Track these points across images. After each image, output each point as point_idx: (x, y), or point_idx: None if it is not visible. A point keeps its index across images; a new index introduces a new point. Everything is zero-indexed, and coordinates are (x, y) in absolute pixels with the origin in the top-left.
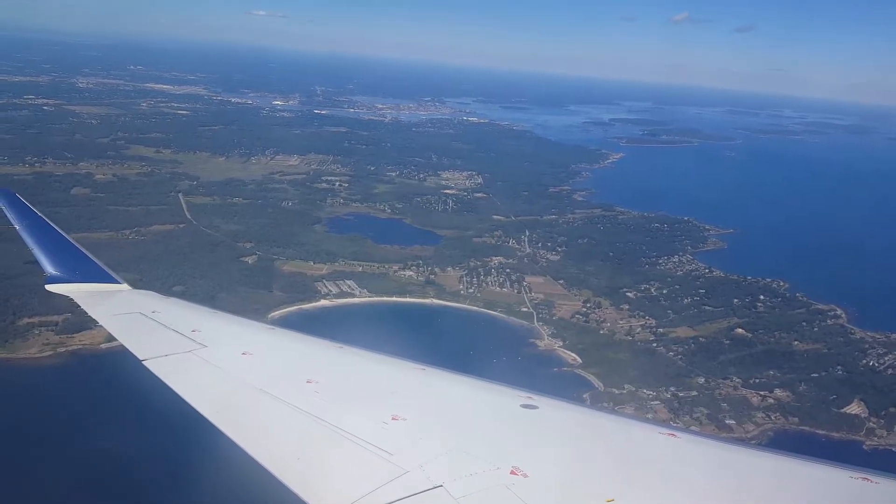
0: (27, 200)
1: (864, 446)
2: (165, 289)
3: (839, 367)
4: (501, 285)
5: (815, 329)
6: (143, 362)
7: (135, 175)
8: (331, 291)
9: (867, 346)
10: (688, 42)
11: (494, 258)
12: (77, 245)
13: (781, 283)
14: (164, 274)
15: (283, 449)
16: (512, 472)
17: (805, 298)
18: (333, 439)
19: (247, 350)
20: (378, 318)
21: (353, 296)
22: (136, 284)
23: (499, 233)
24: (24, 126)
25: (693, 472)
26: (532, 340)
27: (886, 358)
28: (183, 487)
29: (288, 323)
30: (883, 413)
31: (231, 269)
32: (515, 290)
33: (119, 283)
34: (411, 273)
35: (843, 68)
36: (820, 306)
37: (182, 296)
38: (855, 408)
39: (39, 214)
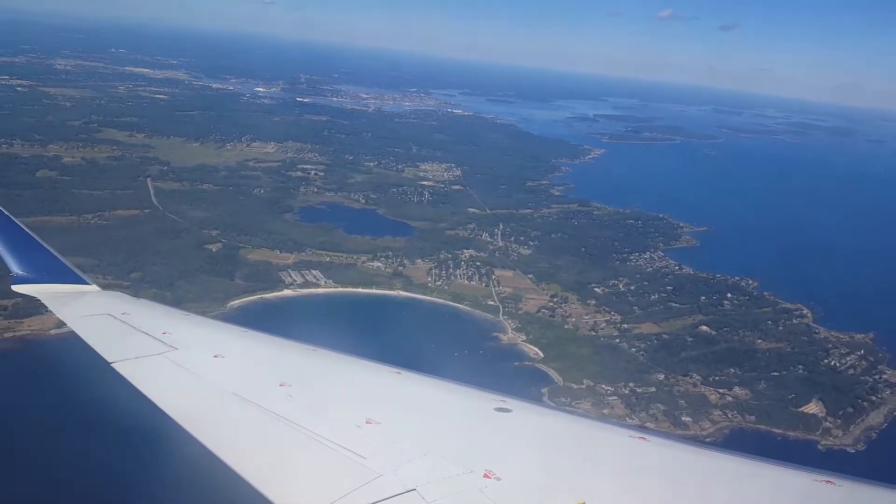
0: None
1: (818, 446)
2: (122, 275)
3: (800, 367)
4: (470, 278)
5: (780, 328)
6: (112, 365)
7: (104, 159)
8: (295, 281)
9: (830, 345)
10: (673, 39)
11: (465, 251)
12: (45, 245)
13: (750, 282)
14: (123, 260)
15: (256, 453)
16: (485, 476)
17: (772, 297)
18: (306, 443)
19: (218, 353)
20: (340, 308)
21: (318, 286)
22: (92, 270)
23: (472, 226)
24: None
25: (663, 474)
26: (495, 334)
27: (848, 358)
28: (145, 490)
29: (248, 312)
30: (840, 413)
31: (193, 256)
32: (483, 284)
33: (88, 283)
34: (380, 264)
35: (828, 70)
36: (787, 305)
37: (139, 283)
38: (813, 407)
39: (5, 212)
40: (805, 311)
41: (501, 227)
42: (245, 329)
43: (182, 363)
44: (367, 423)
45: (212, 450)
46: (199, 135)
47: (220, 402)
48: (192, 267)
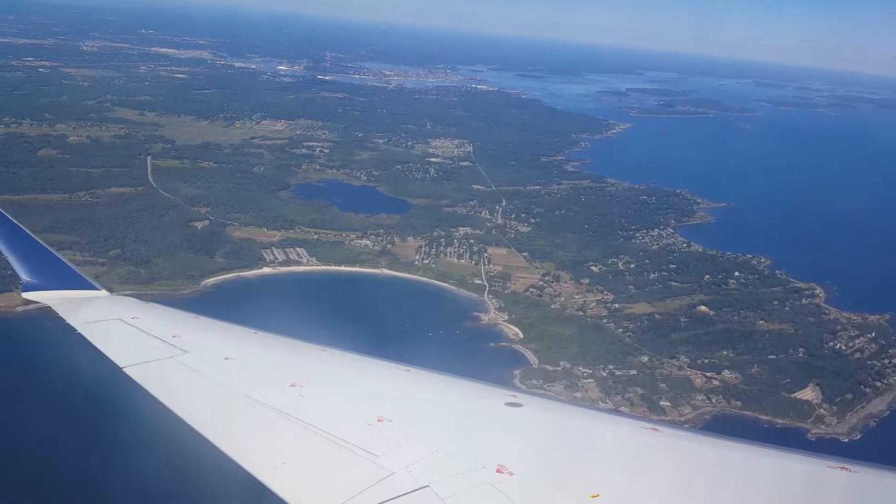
0: None
1: (808, 435)
2: (100, 252)
3: (801, 349)
4: (460, 256)
5: (787, 308)
6: (124, 369)
7: (110, 137)
8: (276, 259)
9: (839, 327)
10: (710, 9)
11: (461, 228)
12: (53, 252)
13: (763, 260)
14: (104, 237)
15: (269, 453)
16: (498, 471)
17: (784, 276)
18: (319, 442)
19: (229, 355)
20: (317, 287)
21: (300, 264)
22: (71, 247)
23: (473, 203)
24: (12, 87)
25: (675, 465)
26: (476, 314)
27: (857, 340)
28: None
29: (222, 290)
30: (838, 399)
31: (176, 233)
32: (473, 262)
33: (97, 289)
34: (368, 242)
35: (880, 40)
36: (798, 284)
37: (115, 260)
38: (808, 393)
39: (14, 221)
40: (818, 291)
41: (504, 203)
42: (255, 331)
43: (193, 366)
44: (378, 421)
45: (225, 451)
46: (210, 113)
47: (233, 404)
48: (173, 244)
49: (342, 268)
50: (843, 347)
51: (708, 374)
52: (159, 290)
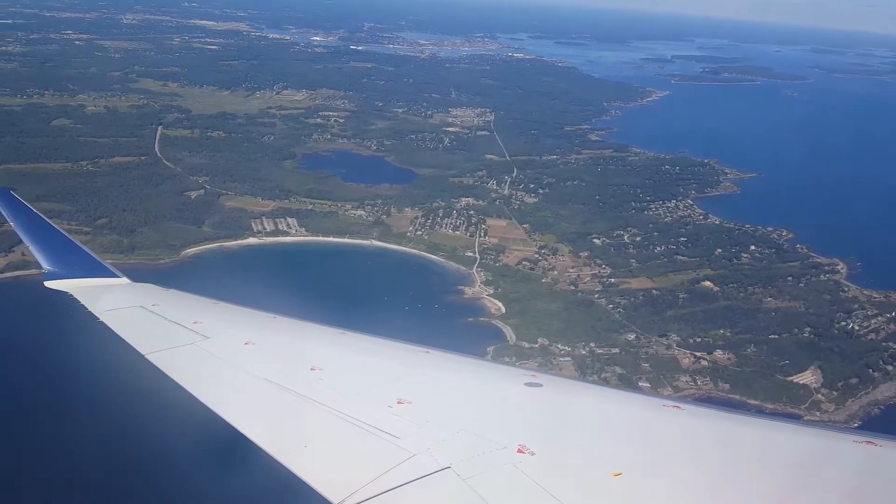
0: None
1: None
2: (88, 221)
3: (808, 329)
4: (456, 228)
5: (801, 285)
6: (146, 356)
7: (126, 107)
8: (264, 229)
9: (856, 305)
10: None
11: (464, 199)
12: (74, 241)
13: (784, 233)
14: (94, 206)
15: (290, 437)
16: (519, 451)
17: (805, 250)
18: (339, 425)
19: (249, 339)
20: (299, 258)
21: (288, 234)
22: (59, 215)
23: (482, 173)
24: (44, 59)
25: (698, 442)
26: (460, 287)
27: (874, 320)
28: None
29: (202, 261)
30: (840, 384)
31: (168, 203)
32: (469, 234)
33: (118, 276)
34: (363, 212)
35: None
36: (819, 259)
37: (101, 229)
38: (808, 376)
39: (35, 211)
40: (840, 267)
41: (515, 174)
42: (275, 315)
43: (214, 352)
44: (398, 403)
45: (247, 435)
46: (233, 83)
47: (254, 389)
48: (162, 213)
49: (330, 239)
50: (857, 328)
51: (697, 354)
52: (138, 260)
